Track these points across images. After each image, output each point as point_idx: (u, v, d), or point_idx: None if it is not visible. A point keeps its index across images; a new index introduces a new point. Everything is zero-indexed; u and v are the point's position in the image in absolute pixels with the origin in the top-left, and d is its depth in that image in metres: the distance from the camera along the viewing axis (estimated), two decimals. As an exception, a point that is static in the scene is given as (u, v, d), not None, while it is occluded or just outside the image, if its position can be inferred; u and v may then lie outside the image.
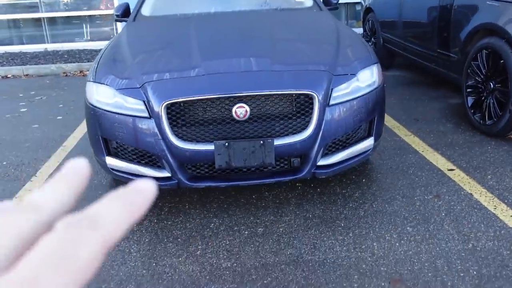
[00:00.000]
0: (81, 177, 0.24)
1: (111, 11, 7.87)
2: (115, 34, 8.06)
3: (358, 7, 8.06)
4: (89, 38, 8.19)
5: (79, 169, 0.25)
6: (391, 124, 3.75)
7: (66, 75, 6.35)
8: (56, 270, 0.19)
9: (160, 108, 2.26)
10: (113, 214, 0.22)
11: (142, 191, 0.23)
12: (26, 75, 6.40)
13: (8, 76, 6.39)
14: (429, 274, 1.97)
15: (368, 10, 5.93)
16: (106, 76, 2.50)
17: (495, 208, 2.45)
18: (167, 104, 2.27)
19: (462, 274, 1.96)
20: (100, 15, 8.06)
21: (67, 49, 7.77)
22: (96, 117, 2.44)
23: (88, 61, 6.63)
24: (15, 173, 3.17)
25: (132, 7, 3.74)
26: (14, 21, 8.07)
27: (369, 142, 2.57)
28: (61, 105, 4.80)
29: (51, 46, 7.92)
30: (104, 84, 2.46)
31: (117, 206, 0.22)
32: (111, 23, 8.11)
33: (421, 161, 3.06)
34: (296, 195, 2.70)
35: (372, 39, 5.88)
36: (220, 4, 3.59)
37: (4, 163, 3.35)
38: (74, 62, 6.60)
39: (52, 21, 8.04)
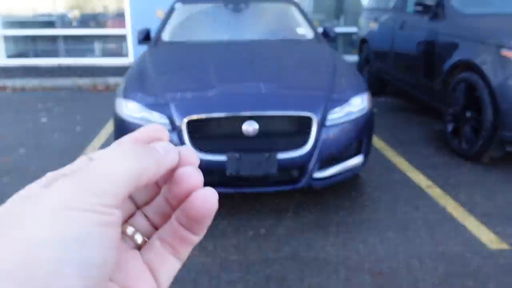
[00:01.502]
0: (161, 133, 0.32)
1: (122, 31, 8.36)
2: (123, 52, 8.53)
3: (354, 37, 8.59)
4: (100, 54, 8.65)
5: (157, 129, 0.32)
6: (380, 146, 4.17)
7: (81, 89, 6.77)
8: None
9: (182, 123, 2.67)
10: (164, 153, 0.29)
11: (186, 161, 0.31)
12: (43, 88, 6.81)
13: (26, 88, 6.80)
14: (404, 270, 2.36)
15: (363, 40, 6.43)
16: (135, 94, 2.91)
17: (465, 220, 2.85)
18: (188, 120, 2.68)
19: (431, 271, 2.35)
20: (112, 34, 8.53)
21: (80, 64, 8.21)
22: (124, 128, 2.84)
23: (100, 77, 7.06)
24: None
25: (150, 31, 4.19)
26: (30, 36, 8.53)
27: (359, 159, 2.98)
28: (78, 117, 5.20)
29: (64, 61, 8.37)
30: (133, 100, 2.87)
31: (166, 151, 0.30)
32: (121, 42, 8.58)
33: (405, 178, 3.47)
34: (294, 204, 3.09)
35: (367, 67, 6.36)
36: (232, 33, 4.05)
37: (33, 168, 3.73)
38: (87, 77, 7.02)
39: (66, 37, 8.51)
